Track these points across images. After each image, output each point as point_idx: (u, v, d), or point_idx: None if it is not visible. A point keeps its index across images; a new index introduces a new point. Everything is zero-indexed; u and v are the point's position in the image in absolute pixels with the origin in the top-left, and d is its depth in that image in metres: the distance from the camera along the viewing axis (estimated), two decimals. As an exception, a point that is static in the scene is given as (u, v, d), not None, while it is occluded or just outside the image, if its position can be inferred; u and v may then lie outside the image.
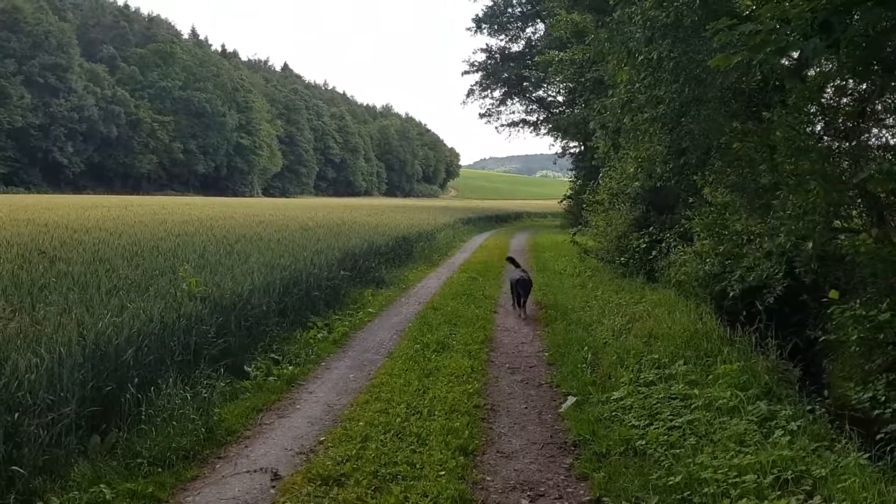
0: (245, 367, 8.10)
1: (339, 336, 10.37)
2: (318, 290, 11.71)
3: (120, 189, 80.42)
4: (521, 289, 12.26)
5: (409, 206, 43.17)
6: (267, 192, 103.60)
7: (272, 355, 8.76)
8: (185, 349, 7.21)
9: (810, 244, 7.45)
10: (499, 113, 50.67)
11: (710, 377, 7.22)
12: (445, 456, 5.71)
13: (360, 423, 6.54)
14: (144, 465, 5.40)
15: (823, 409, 6.95)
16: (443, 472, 5.39)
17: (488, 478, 5.48)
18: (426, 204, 56.80)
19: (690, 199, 12.06)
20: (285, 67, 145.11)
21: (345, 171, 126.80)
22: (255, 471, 5.54)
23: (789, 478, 4.82)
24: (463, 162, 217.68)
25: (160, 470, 5.41)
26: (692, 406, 6.46)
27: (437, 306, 12.80)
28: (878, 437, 5.87)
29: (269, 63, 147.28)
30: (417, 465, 5.53)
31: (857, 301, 6.80)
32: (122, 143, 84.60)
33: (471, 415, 6.83)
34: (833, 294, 6.91)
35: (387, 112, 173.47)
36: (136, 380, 6.23)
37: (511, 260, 14.53)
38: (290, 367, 8.42)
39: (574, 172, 39.88)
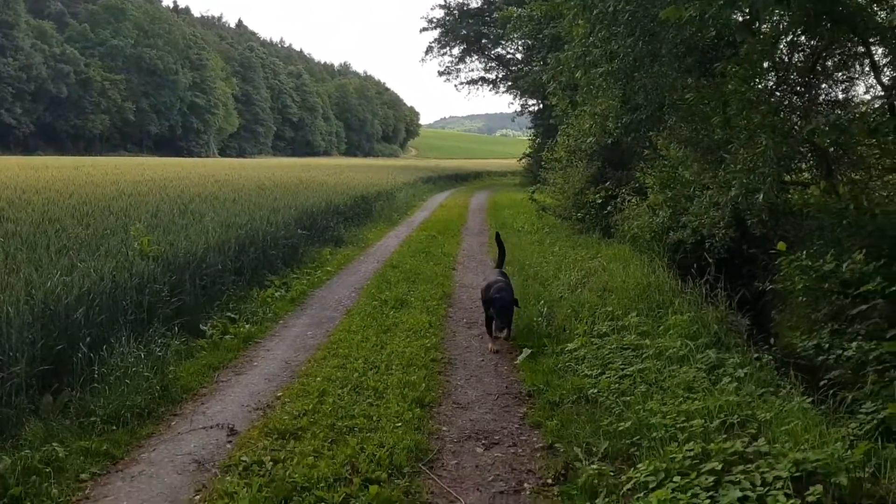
0: (201, 326, 8.04)
1: (297, 294, 10.34)
2: (275, 249, 11.64)
3: (72, 150, 78.29)
4: (497, 310, 7.55)
5: (369, 166, 42.83)
6: (223, 153, 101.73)
7: (228, 314, 8.71)
8: (137, 308, 7.12)
9: (761, 196, 7.60)
10: (458, 71, 50.20)
11: (662, 328, 7.39)
12: (402, 408, 5.77)
13: (318, 379, 6.56)
14: (98, 424, 5.36)
15: (770, 357, 7.17)
16: (399, 424, 5.46)
17: (444, 428, 5.56)
18: (386, 163, 56.42)
19: (645, 153, 12.18)
20: (240, 24, 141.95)
21: (303, 130, 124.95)
22: (211, 427, 5.54)
23: (735, 422, 4.98)
24: (423, 121, 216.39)
25: (114, 428, 5.37)
26: (643, 356, 6.61)
27: (395, 264, 12.81)
28: (822, 382, 6.09)
29: (223, 20, 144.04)
30: (374, 418, 5.59)
31: (804, 252, 6.98)
32: (73, 102, 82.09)
33: (428, 368, 6.91)
34: (781, 246, 7.07)
35: (345, 70, 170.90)
36: (88, 339, 6.14)
37: (498, 240, 9.95)
38: (247, 326, 8.39)
39: (533, 131, 39.92)
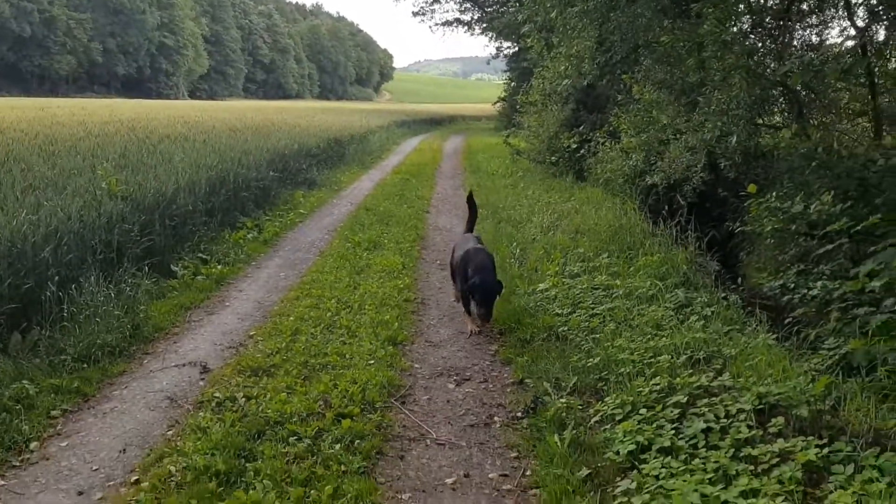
0: (172, 266, 7.98)
1: (270, 236, 10.29)
2: (247, 191, 11.51)
3: (37, 92, 75.90)
4: (480, 299, 6.22)
5: (342, 109, 42.15)
6: (193, 95, 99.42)
7: (200, 255, 8.65)
8: (106, 248, 7.04)
9: (734, 138, 7.64)
10: (433, 11, 49.11)
11: (632, 268, 7.47)
12: (375, 346, 5.82)
13: (291, 318, 6.58)
14: (69, 362, 5.34)
15: (737, 297, 7.31)
16: (372, 361, 5.51)
17: (416, 365, 5.63)
18: (360, 107, 55.59)
19: (619, 97, 12.13)
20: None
21: (275, 73, 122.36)
22: (183, 365, 5.55)
23: (701, 358, 5.09)
24: (397, 64, 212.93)
25: (85, 366, 5.36)
26: (613, 295, 6.70)
27: (369, 207, 12.75)
28: (787, 320, 6.23)
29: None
30: (347, 356, 5.63)
31: (773, 194, 7.05)
32: (37, 42, 79.45)
33: (401, 308, 6.94)
34: (751, 188, 7.13)
35: (317, 11, 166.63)
36: (57, 278, 6.07)
37: (470, 200, 8.04)
38: (220, 267, 8.34)
39: (508, 74, 39.48)
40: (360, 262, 8.69)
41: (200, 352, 5.84)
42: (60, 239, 6.38)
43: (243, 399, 4.83)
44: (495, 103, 42.33)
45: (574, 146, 14.14)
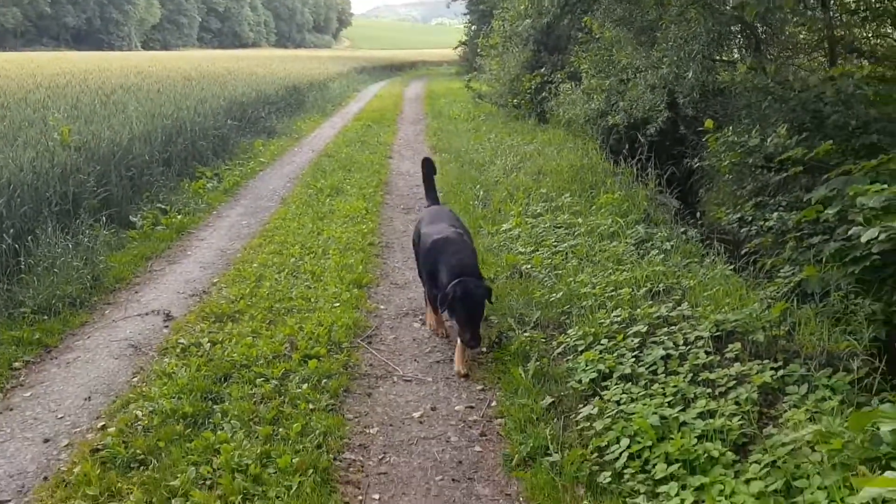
0: (130, 217, 7.86)
1: (231, 185, 10.15)
2: (205, 140, 11.30)
3: (-17, 46, 72.90)
4: (466, 316, 4.50)
5: (301, 57, 41.22)
6: (147, 46, 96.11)
7: (159, 205, 8.52)
8: (62, 199, 6.89)
9: (689, 73, 7.65)
10: (391, -47, 47.98)
11: (594, 207, 7.54)
12: (340, 289, 5.83)
13: (254, 265, 6.54)
14: (28, 314, 5.27)
15: (696, 231, 7.45)
16: (337, 304, 5.52)
17: (382, 306, 5.66)
18: (319, 54, 54.43)
19: (580, 37, 12.05)
20: None
21: (230, 20, 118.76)
22: (146, 314, 5.50)
23: (661, 289, 5.19)
24: (356, 10, 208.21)
25: (46, 318, 5.29)
26: (576, 233, 6.77)
27: (331, 154, 12.61)
28: (744, 251, 6.37)
29: None
30: (312, 299, 5.63)
31: (730, 129, 7.12)
32: (-22, -5, 75.98)
33: (365, 252, 6.94)
34: (708, 123, 7.19)
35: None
36: (12, 230, 5.94)
37: (427, 167, 6.10)
38: (180, 217, 8.23)
39: (468, 17, 38.85)
40: (322, 208, 8.64)
41: (163, 300, 5.80)
42: (13, 191, 6.22)
43: (208, 344, 4.82)
44: (456, 48, 41.71)
45: (535, 88, 14.06)
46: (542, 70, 14.32)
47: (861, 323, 4.55)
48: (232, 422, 3.80)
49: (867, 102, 6.50)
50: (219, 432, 3.70)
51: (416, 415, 3.95)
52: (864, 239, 4.05)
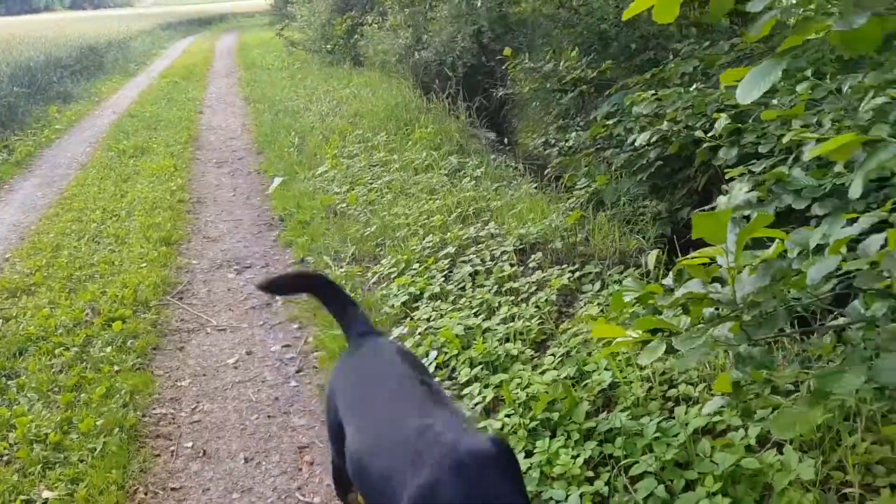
0: None
1: (23, 157, 9.31)
2: (-13, 111, 10.25)
3: None
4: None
5: (100, 17, 38.15)
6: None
7: (-65, 184, 7.68)
8: None
9: (479, 2, 7.80)
10: None
11: (409, 143, 7.61)
12: (147, 249, 5.54)
13: (51, 235, 6.08)
14: None
15: (505, 157, 7.72)
16: (144, 264, 5.25)
17: (194, 261, 5.45)
18: (119, 13, 50.51)
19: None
20: None
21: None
22: (-75, 298, 4.98)
23: (471, 212, 5.36)
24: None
25: None
26: (392, 169, 6.81)
27: (134, 114, 11.83)
28: (546, 172, 6.69)
29: None
30: (116, 263, 5.32)
31: (527, 55, 7.37)
32: None
33: (174, 209, 6.62)
34: (507, 52, 7.39)
35: None
36: None
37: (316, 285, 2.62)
38: (-39, 193, 7.47)
39: (276, -35, 37.35)
40: (126, 169, 8.12)
41: (-55, 282, 5.26)
42: None
43: (0, 321, 4.45)
44: (267, -3, 40.14)
45: (346, 31, 13.83)
46: (353, 13, 14.08)
47: (648, 223, 4.95)
48: (29, 394, 3.56)
49: (648, 20, 6.93)
50: (14, 407, 3.45)
51: (231, 361, 3.87)
52: (638, 142, 4.36)
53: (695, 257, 1.76)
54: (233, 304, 4.64)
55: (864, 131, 2.55)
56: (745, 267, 1.74)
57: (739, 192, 1.71)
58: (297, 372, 3.70)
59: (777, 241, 1.78)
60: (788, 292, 1.85)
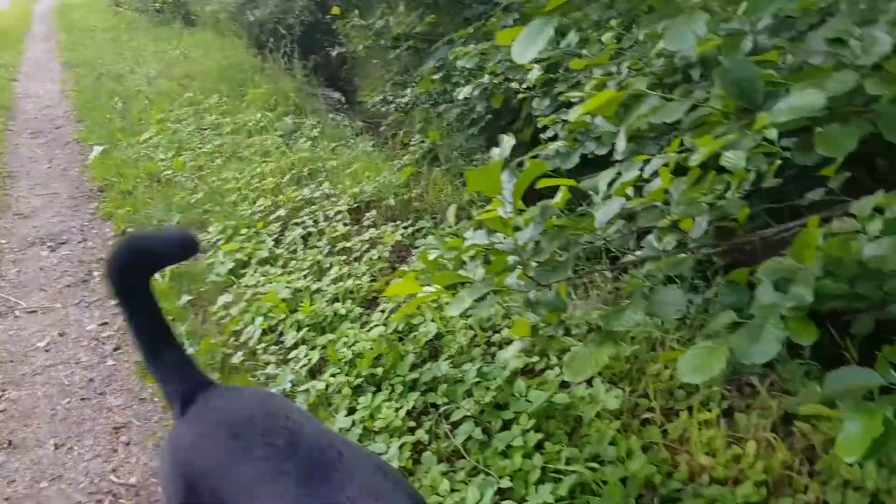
0: None
1: None
2: None
3: None
4: None
5: None
6: None
7: None
8: None
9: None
10: None
11: (243, 104, 7.31)
12: (-57, 232, 5.03)
13: None
14: None
15: (344, 117, 7.59)
16: (-62, 249, 4.76)
17: (2, 241, 4.99)
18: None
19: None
20: None
21: None
22: None
23: (306, 174, 5.22)
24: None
25: None
26: (224, 133, 6.53)
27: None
28: (381, 129, 6.65)
29: None
30: None
31: (356, 12, 7.21)
32: None
33: (-21, 185, 6.04)
34: (335, 10, 7.20)
35: None
36: None
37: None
38: None
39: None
40: (-78, 145, 7.31)
41: None
42: None
43: None
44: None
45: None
46: (181, -32, 13.30)
47: (481, 175, 5.00)
48: None
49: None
50: None
51: (42, 344, 3.58)
52: (461, 96, 4.39)
53: (489, 210, 1.76)
54: (45, 284, 4.29)
55: (659, 80, 2.68)
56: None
57: (508, 144, 1.72)
58: (115, 350, 3.48)
59: (563, 188, 1.80)
60: (582, 237, 1.90)
